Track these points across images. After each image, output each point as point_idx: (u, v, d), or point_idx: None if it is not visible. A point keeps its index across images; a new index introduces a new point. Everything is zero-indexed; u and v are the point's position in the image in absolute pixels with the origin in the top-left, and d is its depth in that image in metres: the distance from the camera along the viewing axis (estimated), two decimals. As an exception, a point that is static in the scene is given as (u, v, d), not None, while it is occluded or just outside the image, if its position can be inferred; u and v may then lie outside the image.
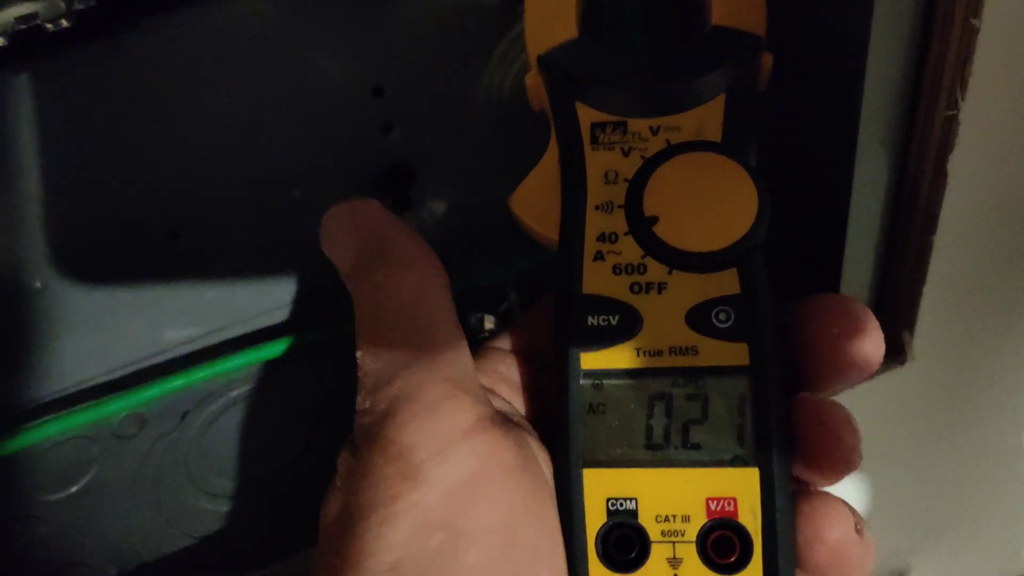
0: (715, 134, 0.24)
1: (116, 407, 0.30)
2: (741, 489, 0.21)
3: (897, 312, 0.29)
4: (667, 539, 0.21)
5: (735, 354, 0.22)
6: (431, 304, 0.22)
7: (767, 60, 0.25)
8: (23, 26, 0.22)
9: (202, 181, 0.30)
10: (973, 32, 0.22)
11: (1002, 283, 0.31)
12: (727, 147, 0.24)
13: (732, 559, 0.21)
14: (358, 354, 0.22)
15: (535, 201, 0.26)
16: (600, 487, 0.22)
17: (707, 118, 0.25)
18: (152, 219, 0.30)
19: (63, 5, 0.22)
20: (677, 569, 0.21)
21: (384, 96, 0.30)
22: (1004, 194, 0.27)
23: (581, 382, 0.23)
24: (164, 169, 0.29)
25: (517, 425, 0.22)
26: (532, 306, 0.27)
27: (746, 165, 0.24)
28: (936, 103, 0.24)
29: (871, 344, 0.22)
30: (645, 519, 0.21)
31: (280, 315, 0.34)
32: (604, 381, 0.23)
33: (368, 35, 0.29)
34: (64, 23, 0.22)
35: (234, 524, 0.31)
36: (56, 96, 0.26)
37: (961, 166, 0.24)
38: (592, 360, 0.23)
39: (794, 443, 0.22)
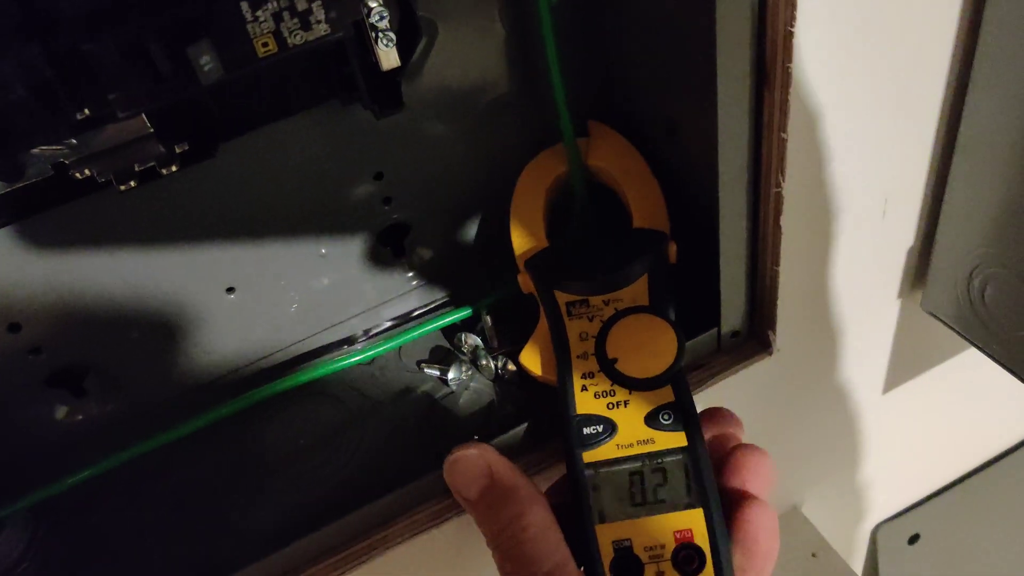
0: (644, 300, 0.36)
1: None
2: (694, 523, 0.32)
3: (763, 318, 0.40)
4: (653, 561, 0.32)
5: (677, 439, 0.33)
6: (550, 527, 0.32)
7: (673, 246, 0.37)
8: (143, 167, 0.32)
9: (252, 250, 0.40)
10: (784, 144, 0.33)
11: (831, 297, 0.42)
12: (653, 308, 0.36)
13: (694, 567, 0.32)
14: (507, 566, 0.31)
15: (536, 358, 0.38)
16: (608, 535, 0.32)
17: (638, 291, 0.37)
18: (212, 279, 0.40)
19: (172, 153, 0.32)
20: None
21: (383, 179, 0.41)
22: (822, 232, 0.39)
23: (585, 472, 0.33)
24: (224, 241, 0.39)
25: None
26: (553, 485, 0.37)
27: (667, 319, 0.35)
28: (769, 182, 0.34)
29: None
30: (638, 550, 0.32)
31: (314, 343, 0.44)
32: (599, 469, 0.33)
33: (368, 137, 0.39)
34: (174, 168, 0.32)
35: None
36: (158, 207, 0.37)
37: (789, 221, 0.36)
38: (589, 456, 0.33)
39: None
